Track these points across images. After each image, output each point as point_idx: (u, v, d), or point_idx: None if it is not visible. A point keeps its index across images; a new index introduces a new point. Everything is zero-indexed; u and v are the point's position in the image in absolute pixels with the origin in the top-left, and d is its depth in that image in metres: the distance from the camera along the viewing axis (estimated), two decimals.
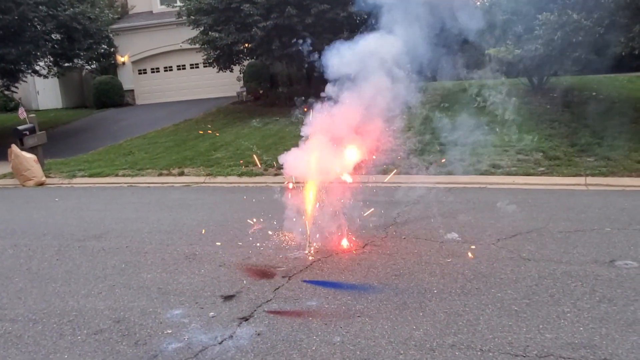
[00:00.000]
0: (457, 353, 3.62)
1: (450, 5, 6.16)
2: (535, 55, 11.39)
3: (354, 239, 5.98)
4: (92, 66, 23.33)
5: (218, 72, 19.34)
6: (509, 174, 8.98)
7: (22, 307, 4.84)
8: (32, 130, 12.24)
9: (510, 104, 11.00)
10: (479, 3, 13.82)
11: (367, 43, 5.60)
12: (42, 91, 25.60)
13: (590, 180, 8.36)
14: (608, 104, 13.28)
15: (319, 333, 3.99)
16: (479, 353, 3.61)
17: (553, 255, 5.25)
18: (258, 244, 6.08)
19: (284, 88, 20.51)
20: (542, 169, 9.01)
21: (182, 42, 19.29)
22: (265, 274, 5.22)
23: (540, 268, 4.92)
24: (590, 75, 16.85)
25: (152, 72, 24.70)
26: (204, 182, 10.42)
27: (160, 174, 11.15)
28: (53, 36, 16.59)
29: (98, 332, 4.25)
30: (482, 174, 9.07)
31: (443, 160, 9.46)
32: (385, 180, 8.33)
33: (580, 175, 8.55)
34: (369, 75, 5.55)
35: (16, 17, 14.50)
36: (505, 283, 4.66)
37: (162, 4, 24.04)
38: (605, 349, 3.57)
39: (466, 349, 3.66)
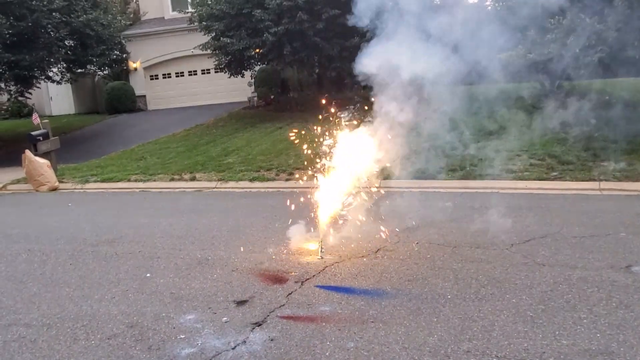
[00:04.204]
0: (472, 359, 3.59)
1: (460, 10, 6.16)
2: (548, 59, 11.31)
3: (366, 244, 5.95)
4: (105, 72, 23.52)
5: (229, 77, 19.42)
6: (521, 178, 8.91)
7: (36, 312, 4.86)
8: (45, 136, 12.34)
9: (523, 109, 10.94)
10: (490, 7, 13.78)
11: None
12: (55, 97, 25.83)
13: (604, 184, 8.28)
14: (622, 107, 13.15)
15: (333, 339, 3.97)
16: None
17: (568, 260, 5.19)
18: (270, 249, 6.07)
19: (295, 93, 20.56)
20: (555, 173, 8.93)
21: (194, 48, 19.38)
22: (278, 279, 5.21)
23: (555, 273, 4.87)
24: (604, 79, 16.70)
25: (164, 77, 24.84)
26: (215, 187, 10.44)
27: (172, 179, 11.18)
28: (66, 42, 16.74)
29: (112, 337, 4.26)
30: (494, 178, 9.01)
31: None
32: (398, 185, 8.29)
33: (594, 180, 8.47)
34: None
35: (30, 24, 14.67)
36: (520, 288, 4.61)
37: (174, 10, 24.19)
38: (623, 355, 3.53)
39: (481, 356, 3.62)
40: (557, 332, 3.85)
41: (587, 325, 3.93)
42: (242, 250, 6.12)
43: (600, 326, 3.90)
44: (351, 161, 5.75)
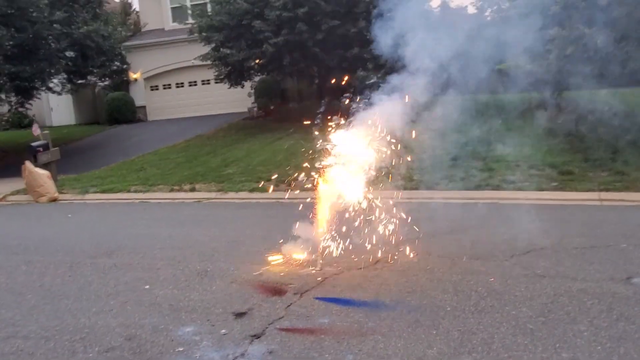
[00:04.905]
0: None
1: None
2: (547, 70, 11.34)
3: (365, 255, 5.93)
4: (105, 83, 23.61)
5: (229, 88, 19.50)
6: (521, 189, 8.91)
7: (34, 324, 4.84)
8: (45, 147, 12.35)
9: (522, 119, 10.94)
10: (489, 18, 13.83)
11: None
12: (55, 108, 25.90)
13: (604, 195, 8.27)
14: (622, 118, 13.17)
15: (332, 351, 3.95)
16: None
17: (568, 272, 5.18)
18: (270, 261, 6.05)
19: (295, 104, 20.62)
20: (555, 184, 8.93)
21: (194, 59, 19.48)
22: (276, 290, 5.19)
23: (556, 285, 4.85)
24: (603, 90, 16.71)
25: (164, 88, 24.92)
26: (215, 198, 10.43)
27: (172, 190, 11.18)
28: (67, 54, 16.83)
29: (110, 350, 4.23)
30: (493, 189, 9.01)
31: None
32: (396, 196, 8.28)
33: (594, 191, 8.46)
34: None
35: (31, 36, 14.74)
36: (520, 300, 4.59)
37: (174, 21, 24.32)
38: None
39: None
40: (557, 345, 3.82)
41: (587, 337, 3.90)
42: (241, 261, 6.11)
43: (601, 339, 3.87)
44: (348, 171, 5.74)
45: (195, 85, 24.52)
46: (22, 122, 24.79)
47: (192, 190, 11.02)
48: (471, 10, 13.96)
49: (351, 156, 5.75)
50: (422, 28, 5.79)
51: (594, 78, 10.81)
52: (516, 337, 3.97)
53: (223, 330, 4.40)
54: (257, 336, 4.26)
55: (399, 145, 5.88)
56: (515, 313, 4.36)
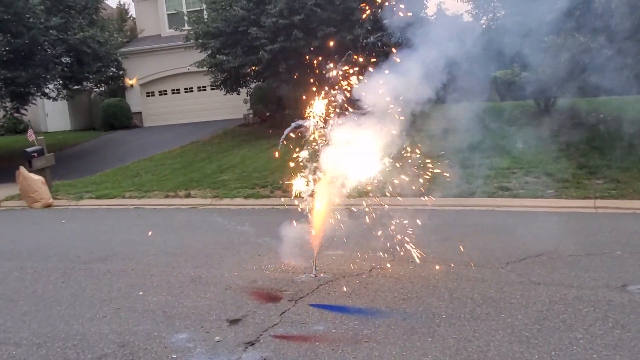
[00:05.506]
0: None
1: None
2: (542, 78, 11.38)
3: (360, 262, 5.91)
4: (101, 89, 23.57)
5: (225, 94, 19.46)
6: (516, 196, 8.91)
7: (26, 331, 4.79)
8: (40, 152, 12.31)
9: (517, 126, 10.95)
10: (484, 26, 13.90)
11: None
12: (51, 113, 25.83)
13: (600, 202, 8.27)
14: (616, 125, 13.21)
15: (326, 358, 3.92)
16: None
17: (564, 279, 5.17)
18: (264, 267, 6.02)
19: (291, 110, 20.61)
20: (551, 191, 8.93)
21: (190, 65, 19.46)
22: (271, 297, 5.16)
23: (551, 292, 4.84)
24: (598, 97, 16.79)
25: (160, 94, 24.89)
26: (210, 204, 10.40)
27: (167, 196, 11.14)
28: (63, 59, 16.80)
29: (102, 357, 4.19)
30: (489, 196, 9.00)
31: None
32: (392, 202, 8.26)
33: (589, 198, 8.46)
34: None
35: (27, 41, 14.71)
36: (516, 308, 4.58)
37: (170, 27, 24.29)
38: None
39: None
40: (553, 353, 3.81)
41: (583, 345, 3.89)
42: (235, 267, 6.07)
43: (597, 347, 3.86)
44: (343, 177, 5.72)
45: (191, 91, 24.51)
46: (17, 127, 24.74)
47: (187, 196, 10.98)
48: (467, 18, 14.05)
49: (345, 163, 5.73)
50: (419, 34, 5.79)
51: (588, 85, 10.83)
52: (512, 345, 3.95)
53: (217, 337, 4.37)
54: (251, 343, 4.23)
55: (394, 151, 5.88)
56: (510, 320, 4.35)
